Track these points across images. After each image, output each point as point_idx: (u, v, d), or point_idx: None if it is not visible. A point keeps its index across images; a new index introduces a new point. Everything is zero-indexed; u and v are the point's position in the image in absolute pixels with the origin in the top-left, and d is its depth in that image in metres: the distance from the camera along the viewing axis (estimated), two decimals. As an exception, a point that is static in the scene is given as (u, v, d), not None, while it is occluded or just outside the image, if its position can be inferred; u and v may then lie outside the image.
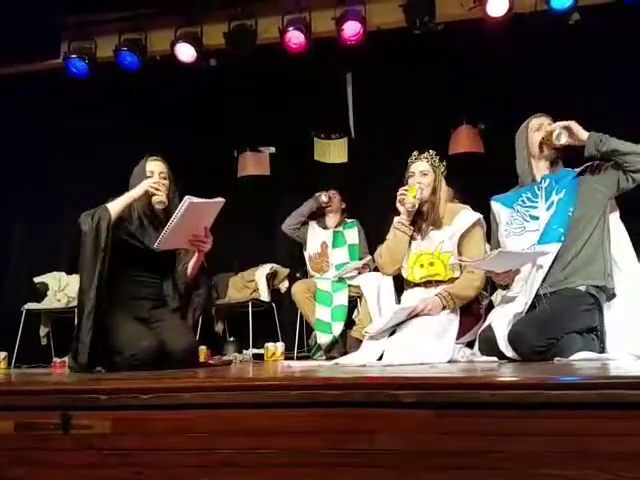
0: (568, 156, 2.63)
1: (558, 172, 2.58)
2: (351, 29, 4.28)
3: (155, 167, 2.78)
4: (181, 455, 1.19)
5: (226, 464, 1.17)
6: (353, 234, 4.43)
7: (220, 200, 2.58)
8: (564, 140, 2.46)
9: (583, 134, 2.45)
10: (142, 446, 1.19)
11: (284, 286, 4.96)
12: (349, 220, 4.50)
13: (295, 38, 4.34)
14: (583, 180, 2.51)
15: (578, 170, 2.55)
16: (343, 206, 4.52)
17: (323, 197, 4.36)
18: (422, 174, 2.75)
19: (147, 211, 2.71)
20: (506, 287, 2.62)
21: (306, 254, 4.49)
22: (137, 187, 2.67)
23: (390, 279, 3.97)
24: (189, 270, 2.78)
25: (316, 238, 4.44)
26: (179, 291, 2.81)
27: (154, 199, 2.65)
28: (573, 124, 2.47)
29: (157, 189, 2.65)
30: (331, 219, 4.47)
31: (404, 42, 4.36)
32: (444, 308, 2.57)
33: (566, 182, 2.51)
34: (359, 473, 1.14)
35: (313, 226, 4.49)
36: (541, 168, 2.61)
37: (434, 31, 4.21)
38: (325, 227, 4.47)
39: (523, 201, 2.59)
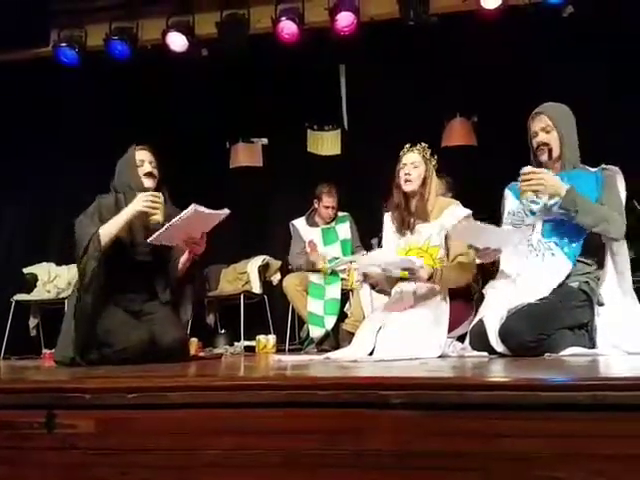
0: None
1: (572, 171, 2.48)
2: (344, 20, 4.24)
3: (145, 156, 2.75)
4: (167, 455, 1.17)
5: (213, 465, 1.16)
6: (345, 229, 4.33)
7: (225, 212, 2.54)
8: (541, 200, 2.35)
9: (559, 190, 2.33)
10: (127, 446, 1.18)
11: (276, 278, 4.94)
12: (341, 214, 4.37)
13: (288, 28, 4.30)
14: (604, 186, 2.41)
15: (595, 172, 2.46)
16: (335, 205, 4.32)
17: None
18: (413, 166, 2.76)
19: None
20: (493, 270, 2.61)
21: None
22: (132, 205, 2.54)
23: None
24: (180, 265, 2.76)
25: (304, 237, 4.29)
26: (170, 285, 2.78)
27: (152, 218, 2.54)
28: (542, 187, 2.33)
29: (155, 208, 2.53)
30: (323, 217, 4.33)
31: (398, 34, 4.33)
32: (429, 279, 2.58)
33: (581, 184, 2.40)
34: (347, 474, 1.13)
35: (301, 226, 4.33)
36: (556, 167, 2.50)
37: (428, 23, 4.18)
38: (314, 224, 4.33)
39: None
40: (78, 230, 2.57)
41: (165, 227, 2.49)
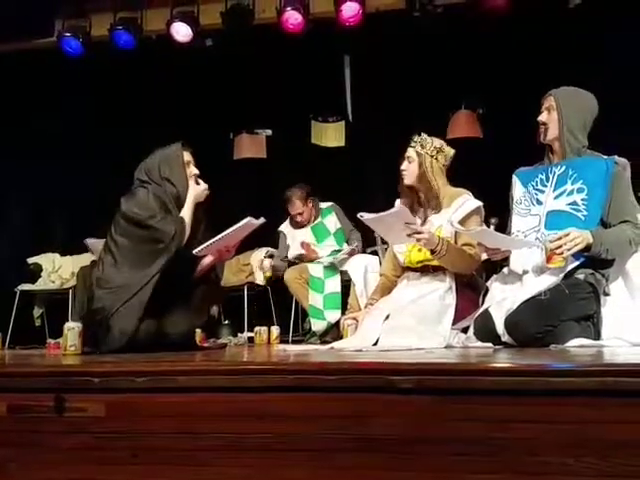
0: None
1: (576, 159, 2.42)
2: (350, 10, 4.21)
3: (190, 158, 2.74)
4: (175, 438, 1.18)
5: (220, 448, 1.17)
6: (333, 220, 4.24)
7: (261, 221, 2.59)
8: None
9: (588, 240, 2.23)
10: (136, 429, 1.18)
11: (279, 270, 4.92)
12: (325, 206, 4.28)
13: (293, 18, 4.28)
14: (613, 181, 2.33)
15: (606, 160, 2.36)
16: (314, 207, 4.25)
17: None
18: (408, 161, 2.72)
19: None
20: (504, 261, 2.57)
21: (290, 255, 4.31)
22: (193, 197, 2.62)
23: (376, 259, 3.96)
24: (199, 267, 2.67)
25: (294, 239, 4.26)
26: (189, 282, 2.75)
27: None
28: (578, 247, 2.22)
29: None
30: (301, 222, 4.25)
31: (403, 24, 4.31)
32: (433, 252, 2.51)
33: (588, 174, 2.35)
34: (355, 458, 1.14)
35: (287, 230, 4.29)
36: (558, 150, 2.48)
37: (433, 14, 4.15)
38: (302, 226, 4.24)
39: (536, 182, 2.51)
40: (157, 225, 2.56)
41: (216, 238, 2.51)
